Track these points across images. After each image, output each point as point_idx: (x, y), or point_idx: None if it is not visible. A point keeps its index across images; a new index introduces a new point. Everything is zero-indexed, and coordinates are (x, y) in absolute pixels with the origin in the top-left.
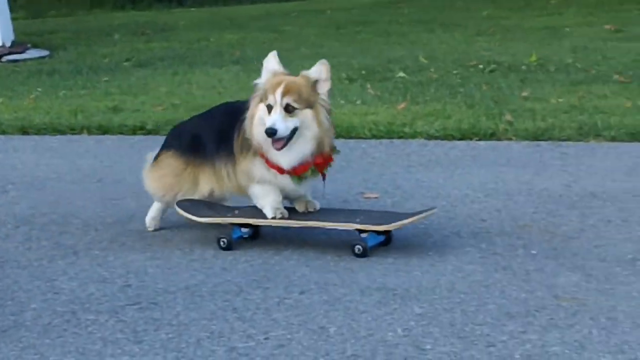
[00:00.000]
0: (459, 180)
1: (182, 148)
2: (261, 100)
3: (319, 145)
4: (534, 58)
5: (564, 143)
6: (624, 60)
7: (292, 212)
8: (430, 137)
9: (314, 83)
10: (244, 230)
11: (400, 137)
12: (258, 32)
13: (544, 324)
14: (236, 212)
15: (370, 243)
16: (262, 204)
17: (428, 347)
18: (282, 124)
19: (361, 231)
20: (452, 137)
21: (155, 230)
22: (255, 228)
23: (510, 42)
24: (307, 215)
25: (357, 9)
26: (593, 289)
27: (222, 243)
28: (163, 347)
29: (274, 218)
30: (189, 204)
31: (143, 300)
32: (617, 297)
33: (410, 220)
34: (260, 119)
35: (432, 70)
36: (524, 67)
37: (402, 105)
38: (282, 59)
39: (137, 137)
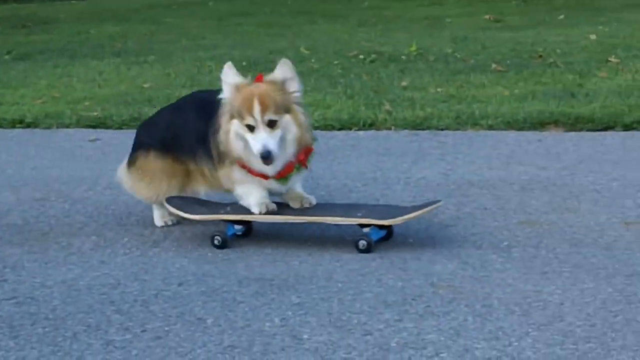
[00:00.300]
0: (338, 170)
1: (160, 146)
2: (232, 117)
3: (300, 143)
4: (414, 48)
5: (442, 132)
6: (502, 49)
7: (289, 208)
8: None
9: (282, 84)
10: (237, 227)
11: None
12: (139, 24)
13: (420, 312)
14: (228, 208)
15: (373, 238)
16: (248, 202)
17: (305, 336)
18: (272, 142)
19: (363, 226)
20: (331, 127)
21: (172, 224)
22: (248, 225)
23: (391, 32)
24: (305, 211)
25: (239, 1)
26: (469, 277)
27: (216, 241)
28: (39, 342)
29: (260, 213)
30: (180, 201)
31: (20, 294)
32: (492, 284)
33: (416, 214)
34: (237, 134)
35: (313, 61)
36: (404, 57)
37: None
38: (163, 52)
39: (16, 131)
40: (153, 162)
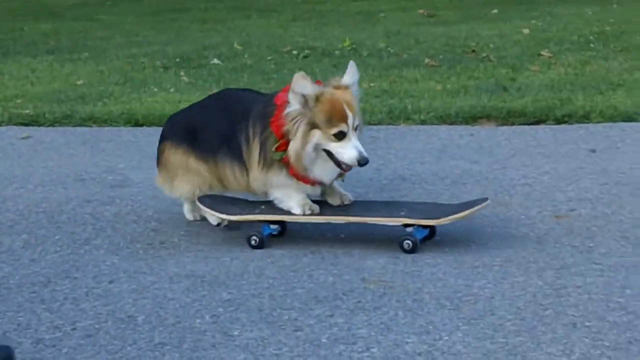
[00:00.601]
0: None
1: (185, 142)
2: (313, 127)
3: None
4: (347, 43)
5: (374, 127)
6: (435, 44)
7: (329, 208)
8: None
9: (352, 88)
10: (273, 227)
11: None
12: (73, 21)
13: (351, 307)
14: (263, 207)
15: (418, 237)
16: (289, 205)
17: (236, 333)
18: (362, 148)
19: (406, 225)
20: None
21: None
22: (283, 225)
23: (325, 27)
24: (345, 209)
25: None
26: (400, 271)
27: (253, 241)
28: None
29: (304, 214)
30: (211, 201)
31: None
32: (423, 278)
33: (463, 213)
34: (316, 145)
35: (246, 56)
36: (337, 52)
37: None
38: (97, 49)
39: None
40: (173, 156)
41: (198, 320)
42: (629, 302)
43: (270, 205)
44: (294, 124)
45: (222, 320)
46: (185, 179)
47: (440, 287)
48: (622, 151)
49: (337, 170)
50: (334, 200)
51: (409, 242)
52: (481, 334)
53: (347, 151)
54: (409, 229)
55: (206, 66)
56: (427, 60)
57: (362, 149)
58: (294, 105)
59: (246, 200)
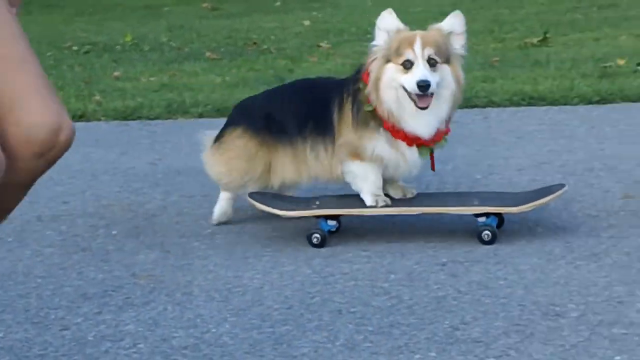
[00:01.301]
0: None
1: (254, 127)
2: (387, 61)
3: (454, 104)
4: (129, 38)
5: (152, 121)
6: (217, 37)
7: (395, 200)
8: None
9: (447, 35)
10: (330, 223)
11: None
12: None
13: (119, 303)
14: (317, 202)
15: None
16: (361, 186)
17: (0, 335)
18: (431, 76)
19: (477, 215)
20: None
21: (220, 224)
22: (339, 220)
23: (108, 22)
24: (412, 202)
25: None
26: (170, 265)
27: (314, 239)
28: None
29: (375, 206)
30: (261, 196)
31: None
32: (194, 271)
33: (545, 200)
34: (391, 80)
35: None
36: (118, 47)
37: None
38: None
39: None
40: (239, 140)
41: None
42: (392, 287)
43: (325, 201)
44: (373, 62)
45: None
46: (242, 165)
47: (210, 280)
48: None
49: (436, 122)
50: (396, 193)
51: (488, 232)
52: (248, 325)
53: (412, 78)
54: (482, 219)
55: None
56: (208, 53)
57: (426, 74)
58: (377, 42)
59: (296, 197)
